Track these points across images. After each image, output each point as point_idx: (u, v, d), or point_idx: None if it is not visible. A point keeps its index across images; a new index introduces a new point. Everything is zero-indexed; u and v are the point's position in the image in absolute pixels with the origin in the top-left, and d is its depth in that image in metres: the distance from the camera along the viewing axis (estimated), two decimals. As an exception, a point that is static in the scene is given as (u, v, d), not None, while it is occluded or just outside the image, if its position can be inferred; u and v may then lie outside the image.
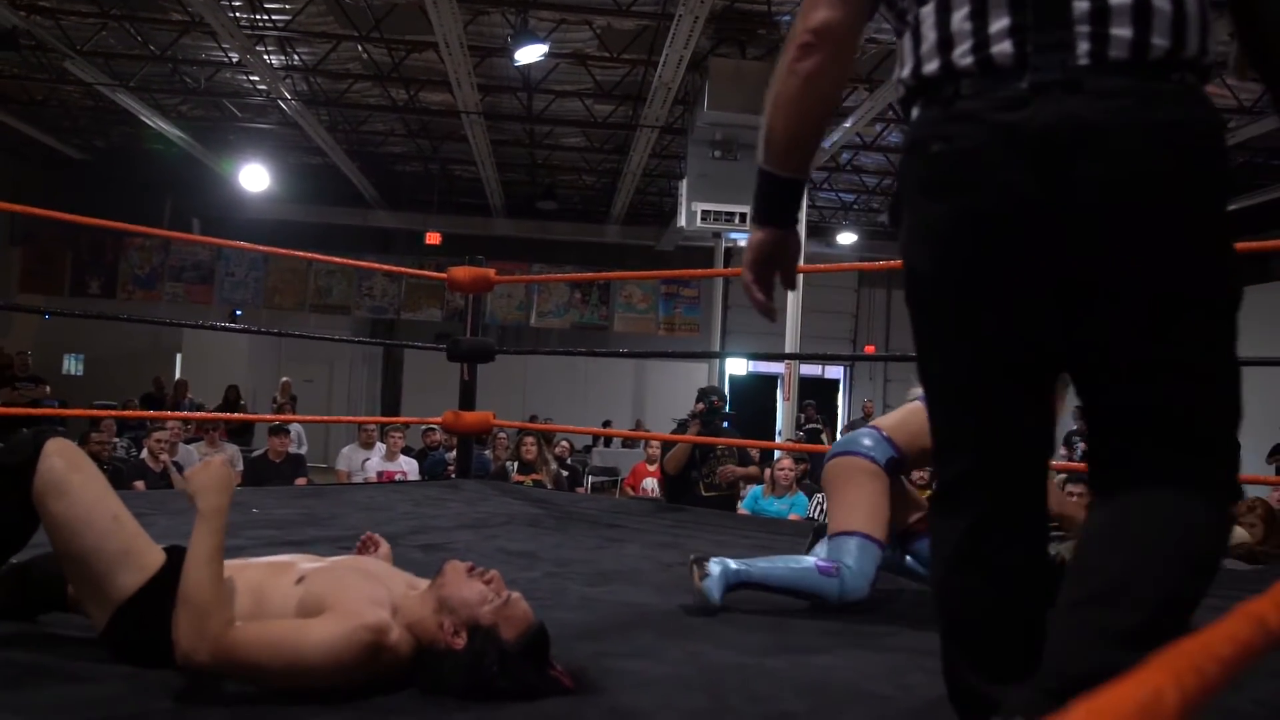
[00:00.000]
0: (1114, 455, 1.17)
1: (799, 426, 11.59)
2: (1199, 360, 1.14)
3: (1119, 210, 1.10)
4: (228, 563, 1.65)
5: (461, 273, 4.94)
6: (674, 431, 5.72)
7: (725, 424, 5.09)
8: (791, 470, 6.39)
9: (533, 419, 12.46)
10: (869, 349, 16.49)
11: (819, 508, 5.83)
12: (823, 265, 7.70)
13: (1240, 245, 4.30)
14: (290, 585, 1.66)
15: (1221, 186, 1.16)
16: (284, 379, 12.70)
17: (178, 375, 14.55)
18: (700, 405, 4.97)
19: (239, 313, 15.49)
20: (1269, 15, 1.20)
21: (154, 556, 1.70)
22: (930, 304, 1.24)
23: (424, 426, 8.50)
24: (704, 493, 5.10)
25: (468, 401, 5.01)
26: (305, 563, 1.76)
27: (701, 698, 1.70)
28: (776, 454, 6.53)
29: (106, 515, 1.67)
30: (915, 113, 1.23)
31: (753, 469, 5.57)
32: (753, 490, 6.31)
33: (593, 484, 10.48)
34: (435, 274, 7.39)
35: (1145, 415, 1.14)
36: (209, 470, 1.68)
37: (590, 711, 1.59)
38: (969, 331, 1.20)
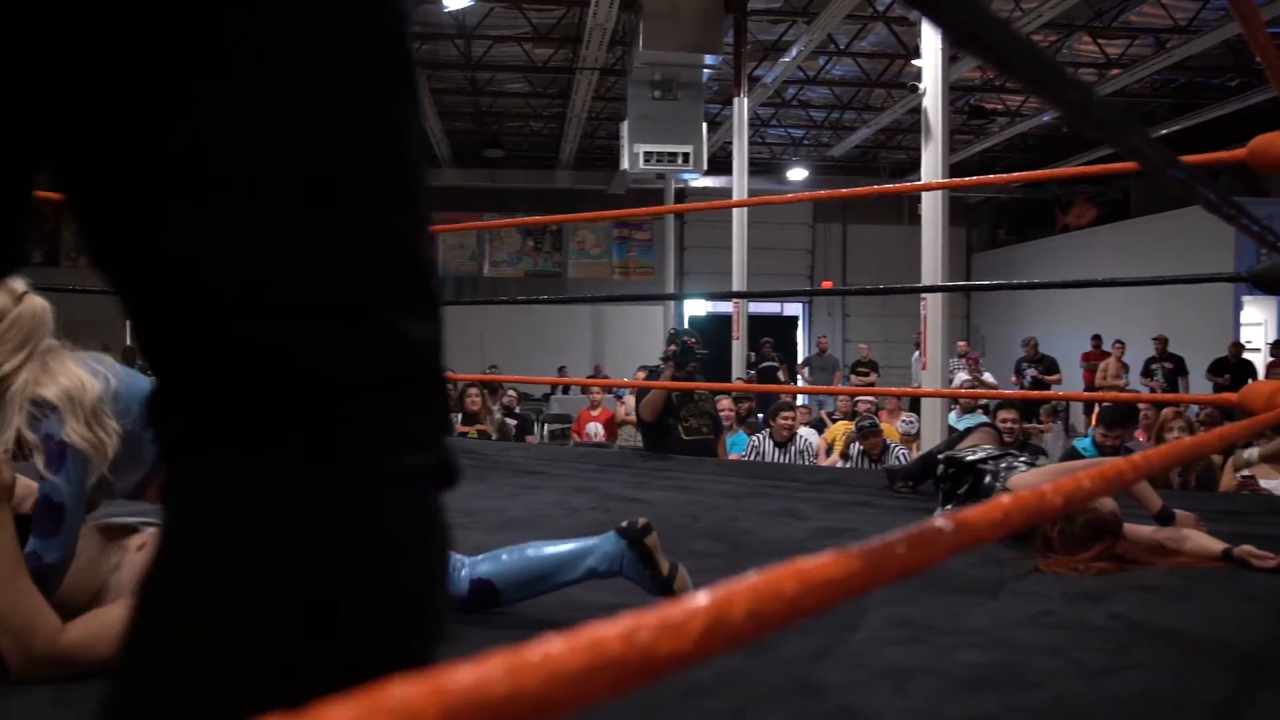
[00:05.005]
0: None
1: (750, 365, 11.62)
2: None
3: None
4: None
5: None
6: (648, 377, 5.43)
7: (691, 367, 4.73)
8: (731, 410, 6.43)
9: (492, 369, 12.44)
10: (826, 284, 16.56)
11: (754, 450, 5.88)
12: (774, 198, 7.70)
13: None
14: (133, 553, 1.66)
15: None
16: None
17: (128, 342, 14.36)
18: (673, 347, 4.66)
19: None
20: None
21: None
22: None
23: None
24: (684, 437, 4.84)
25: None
26: (151, 528, 1.75)
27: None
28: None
29: None
30: None
31: None
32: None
33: (550, 431, 10.53)
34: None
35: None
36: None
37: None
38: None
